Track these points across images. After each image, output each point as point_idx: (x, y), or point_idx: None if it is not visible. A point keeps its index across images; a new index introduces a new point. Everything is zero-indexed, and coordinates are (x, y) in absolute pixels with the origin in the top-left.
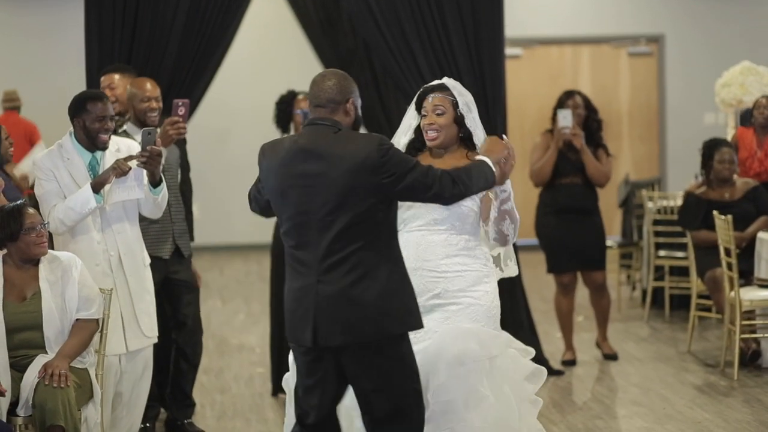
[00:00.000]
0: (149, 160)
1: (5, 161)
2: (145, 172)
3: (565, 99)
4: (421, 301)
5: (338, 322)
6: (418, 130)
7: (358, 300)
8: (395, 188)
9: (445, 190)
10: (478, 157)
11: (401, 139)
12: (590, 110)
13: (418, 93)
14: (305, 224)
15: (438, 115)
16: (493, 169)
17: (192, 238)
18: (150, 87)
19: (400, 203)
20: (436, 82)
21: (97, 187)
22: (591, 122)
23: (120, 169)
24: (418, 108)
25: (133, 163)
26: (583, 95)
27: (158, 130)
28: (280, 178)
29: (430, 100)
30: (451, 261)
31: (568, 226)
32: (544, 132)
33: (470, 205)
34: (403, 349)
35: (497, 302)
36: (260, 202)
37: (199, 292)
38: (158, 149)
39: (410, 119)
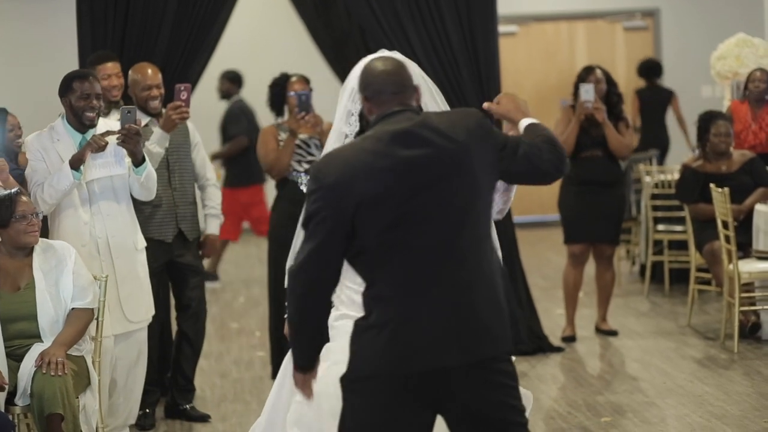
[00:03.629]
0: (127, 138)
1: (14, 153)
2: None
3: (586, 75)
4: None
5: (478, 334)
6: (361, 118)
7: (491, 308)
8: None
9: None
10: (530, 121)
11: (343, 128)
12: (611, 84)
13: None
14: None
15: None
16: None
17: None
18: (151, 74)
19: None
20: (381, 53)
21: (74, 164)
22: (611, 96)
23: (96, 144)
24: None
25: (112, 140)
26: (603, 69)
27: (160, 113)
28: (401, 182)
29: None
30: None
31: (589, 198)
32: (566, 107)
33: None
34: (513, 367)
35: None
36: (333, 263)
37: (204, 275)
38: (136, 127)
39: (349, 105)
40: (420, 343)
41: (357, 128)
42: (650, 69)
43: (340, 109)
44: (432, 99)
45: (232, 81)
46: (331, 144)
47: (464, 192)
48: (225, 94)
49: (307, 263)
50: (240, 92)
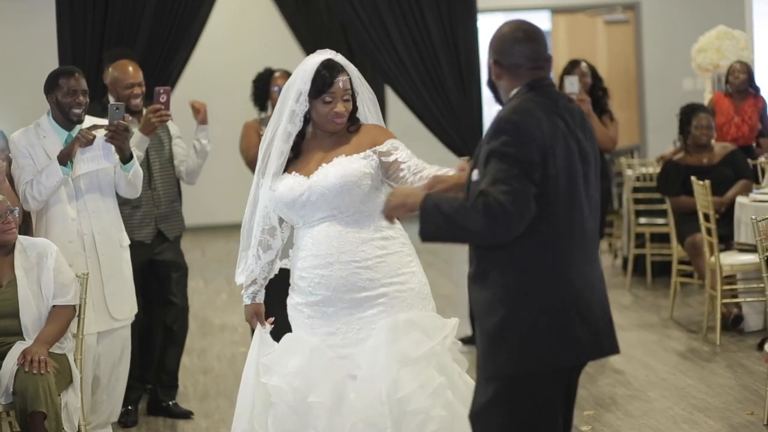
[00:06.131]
0: (115, 134)
1: None
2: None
3: (571, 68)
4: (348, 297)
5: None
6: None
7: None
8: None
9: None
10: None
11: (287, 127)
12: (596, 78)
13: (319, 74)
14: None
15: (346, 101)
16: None
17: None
18: (132, 71)
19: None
20: (327, 55)
21: (63, 159)
22: (596, 90)
23: (84, 138)
24: (321, 91)
25: (99, 133)
26: (588, 63)
27: (141, 111)
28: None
29: (341, 84)
30: (369, 246)
31: None
32: None
33: (367, 171)
34: None
35: (425, 280)
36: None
37: (187, 271)
38: (124, 124)
39: (294, 106)
40: (584, 332)
41: (300, 127)
42: None
43: (285, 109)
44: (371, 107)
45: None
46: (279, 144)
47: (597, 188)
48: None
49: (513, 206)
50: None
